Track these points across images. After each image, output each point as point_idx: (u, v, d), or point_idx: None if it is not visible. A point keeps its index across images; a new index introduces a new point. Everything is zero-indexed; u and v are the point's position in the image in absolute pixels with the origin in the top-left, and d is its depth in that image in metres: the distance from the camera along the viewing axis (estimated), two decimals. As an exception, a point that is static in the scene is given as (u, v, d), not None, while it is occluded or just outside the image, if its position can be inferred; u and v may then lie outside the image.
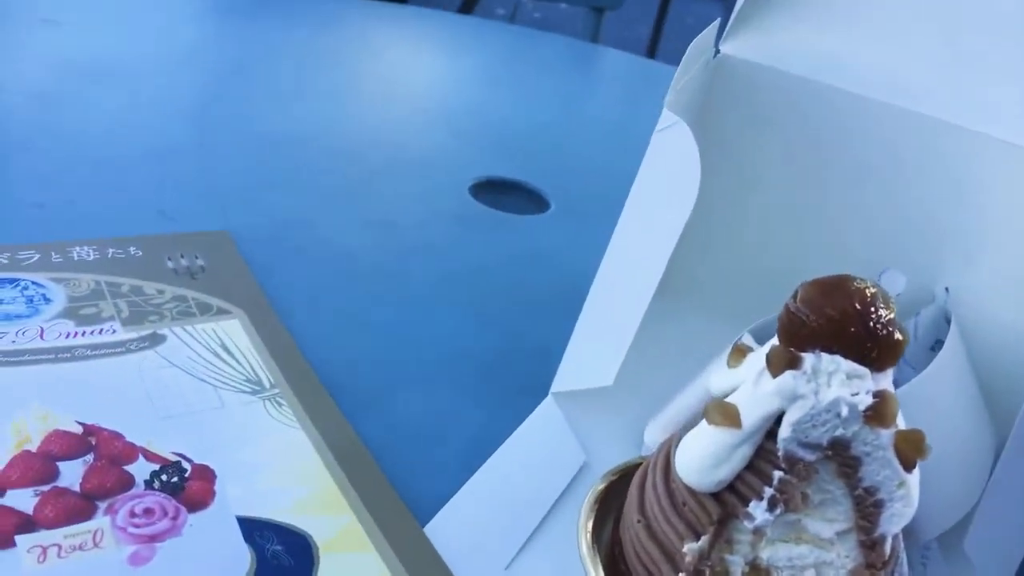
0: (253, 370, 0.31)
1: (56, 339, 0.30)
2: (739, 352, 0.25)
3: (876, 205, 0.35)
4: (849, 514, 0.23)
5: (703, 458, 0.23)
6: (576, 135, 0.62)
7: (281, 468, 0.27)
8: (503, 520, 0.28)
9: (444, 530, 0.27)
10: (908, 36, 0.34)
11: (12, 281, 0.33)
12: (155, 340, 0.31)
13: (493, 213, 0.48)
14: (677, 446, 0.24)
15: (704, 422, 0.23)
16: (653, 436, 0.32)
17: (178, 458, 0.26)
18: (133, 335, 0.31)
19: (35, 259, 0.34)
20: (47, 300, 0.32)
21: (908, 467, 0.22)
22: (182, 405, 0.29)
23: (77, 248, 0.35)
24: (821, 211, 0.36)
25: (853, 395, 0.22)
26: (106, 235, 0.37)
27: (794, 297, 0.23)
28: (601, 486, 0.28)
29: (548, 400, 0.33)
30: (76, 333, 0.31)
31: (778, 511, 0.23)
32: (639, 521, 0.25)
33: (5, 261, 0.34)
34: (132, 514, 0.24)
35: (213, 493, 0.26)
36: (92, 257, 0.35)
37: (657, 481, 0.26)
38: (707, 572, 0.23)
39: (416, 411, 0.33)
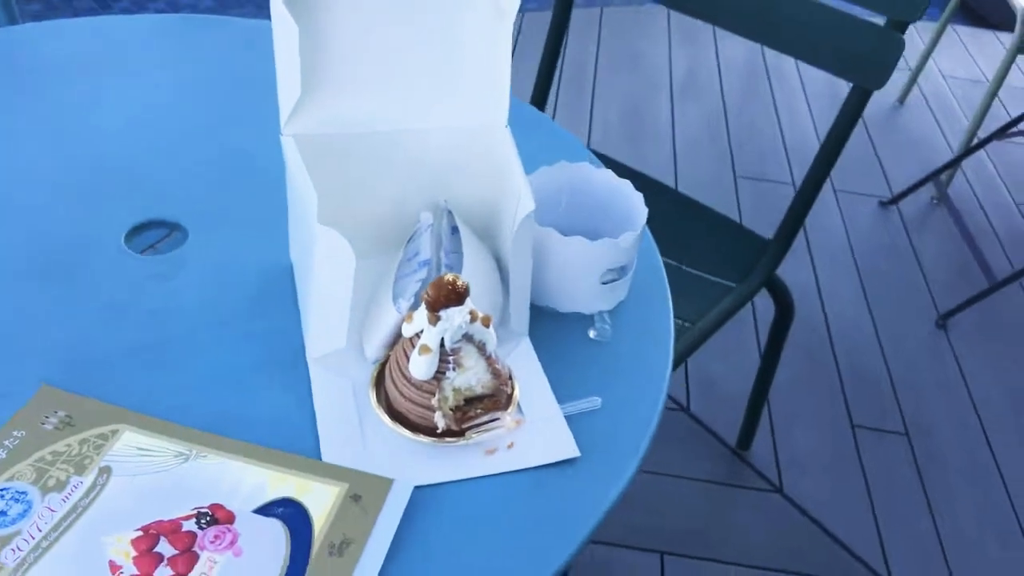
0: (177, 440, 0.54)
1: (60, 509, 0.50)
2: (409, 316, 0.55)
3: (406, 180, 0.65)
4: (478, 355, 0.56)
5: (422, 366, 0.54)
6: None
7: (243, 473, 0.53)
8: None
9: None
10: (385, 89, 0.62)
11: (-12, 498, 0.50)
12: (104, 470, 0.52)
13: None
14: (408, 360, 0.55)
15: (417, 351, 0.54)
16: (372, 350, 0.62)
17: (195, 509, 0.51)
18: (92, 475, 0.52)
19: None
20: (22, 493, 0.50)
21: (485, 324, 0.56)
22: (159, 481, 0.52)
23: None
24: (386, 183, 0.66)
25: (462, 316, 0.54)
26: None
27: (426, 292, 0.54)
28: (374, 372, 0.58)
29: (313, 365, 0.61)
30: (64, 499, 0.50)
31: (453, 369, 0.55)
32: (398, 390, 0.57)
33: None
34: (213, 541, 0.49)
35: (228, 510, 0.51)
36: (9, 448, 0.52)
37: (398, 375, 0.57)
38: (438, 399, 0.56)
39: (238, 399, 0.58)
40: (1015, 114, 2.08)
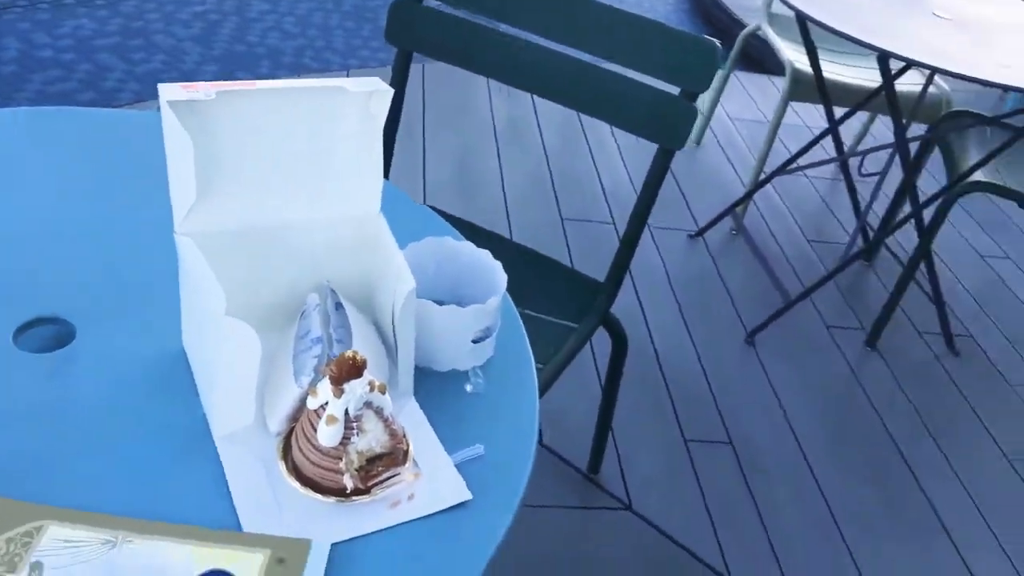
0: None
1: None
2: (313, 391, 0.62)
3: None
4: (376, 418, 0.64)
5: (329, 434, 0.61)
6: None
7: (171, 553, 0.57)
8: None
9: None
10: (270, 188, 0.69)
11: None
12: (35, 566, 0.55)
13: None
14: (315, 430, 0.62)
15: (324, 422, 0.61)
16: (275, 424, 0.67)
17: (130, 591, 0.55)
18: (24, 573, 0.54)
19: None
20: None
21: (382, 391, 0.64)
22: (91, 571, 0.55)
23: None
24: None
25: (363, 387, 0.62)
26: None
27: (329, 369, 0.61)
28: (279, 444, 0.64)
29: (220, 443, 0.66)
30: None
31: (357, 434, 0.62)
32: (306, 457, 0.63)
33: None
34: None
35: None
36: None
37: (305, 444, 0.63)
38: (345, 462, 0.63)
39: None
40: (794, 150, 2.38)
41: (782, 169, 2.30)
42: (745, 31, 2.57)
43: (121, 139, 0.99)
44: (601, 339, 1.56)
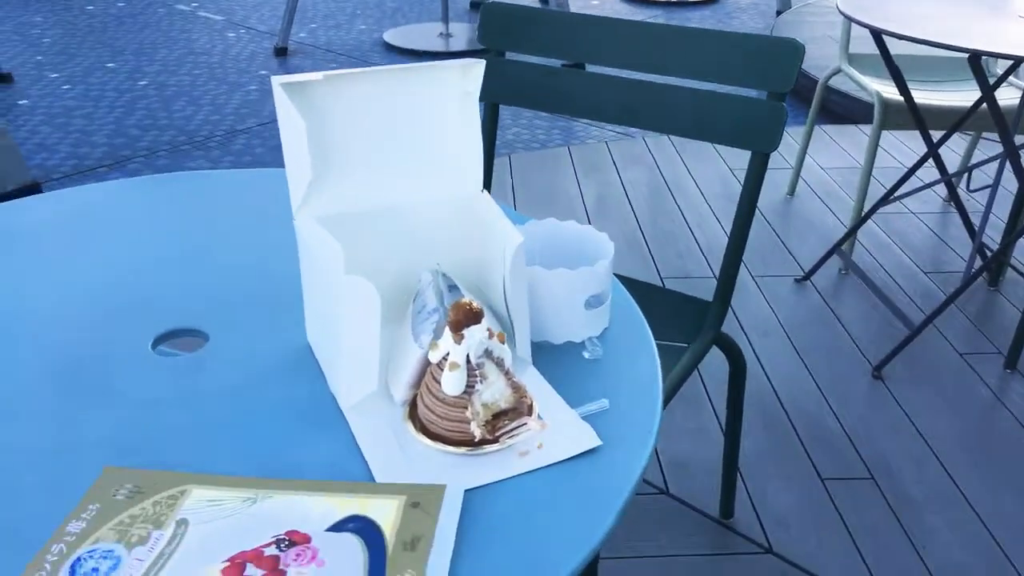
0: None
1: (147, 559, 0.54)
2: (434, 344, 0.63)
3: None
4: (498, 371, 0.64)
5: (453, 381, 0.61)
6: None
7: (310, 503, 0.57)
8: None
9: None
10: (378, 171, 0.72)
11: (78, 560, 0.53)
12: (181, 522, 0.56)
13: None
14: (439, 383, 0.62)
15: (447, 369, 0.61)
16: (399, 392, 0.68)
17: (273, 537, 0.55)
18: (171, 528, 0.56)
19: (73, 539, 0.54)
20: (109, 551, 0.54)
21: (501, 340, 0.64)
22: (233, 522, 0.56)
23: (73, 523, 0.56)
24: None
25: (482, 333, 0.62)
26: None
27: (449, 316, 0.61)
28: (405, 411, 0.64)
29: (348, 414, 0.66)
30: (149, 550, 0.54)
31: (480, 382, 0.62)
32: (432, 411, 0.63)
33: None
34: (296, 559, 0.53)
35: (304, 533, 0.55)
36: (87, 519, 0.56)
37: (431, 399, 0.63)
38: (472, 412, 0.62)
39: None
40: (887, 187, 2.32)
41: (885, 200, 2.24)
42: (825, 75, 2.56)
43: (241, 193, 1.06)
44: (716, 379, 1.49)
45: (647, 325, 0.78)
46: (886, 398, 1.92)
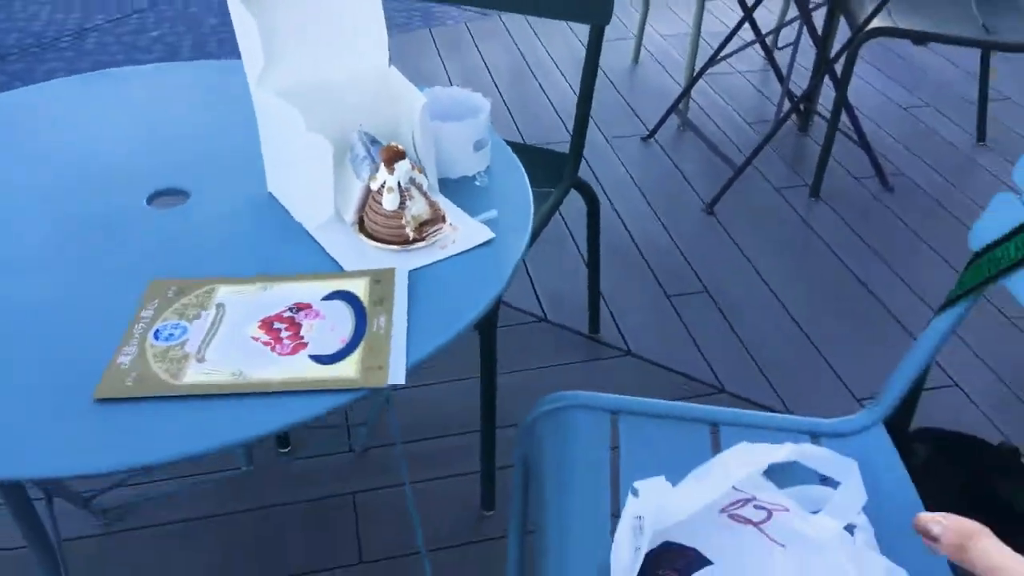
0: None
1: (205, 323, 0.80)
2: (373, 177, 0.90)
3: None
4: (420, 195, 0.92)
5: (391, 200, 0.89)
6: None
7: (305, 285, 0.85)
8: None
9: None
10: (308, 52, 0.96)
11: (158, 331, 0.79)
12: (219, 305, 0.83)
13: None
14: (380, 203, 0.90)
15: (386, 192, 0.89)
16: (349, 215, 0.95)
17: (286, 306, 0.83)
18: (213, 308, 0.82)
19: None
20: (176, 325, 0.80)
21: (419, 171, 0.92)
22: (257, 300, 0.83)
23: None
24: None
25: (407, 166, 0.90)
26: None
27: (381, 155, 0.89)
28: (355, 229, 0.93)
29: (314, 232, 0.93)
30: (204, 320, 0.81)
31: (409, 199, 0.90)
32: (376, 223, 0.91)
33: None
34: (306, 316, 0.81)
35: (307, 302, 0.83)
36: (154, 308, 0.82)
37: (375, 215, 0.91)
38: (406, 220, 0.91)
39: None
40: (715, 48, 2.67)
41: (711, 62, 2.59)
42: (656, -49, 2.85)
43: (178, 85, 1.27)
44: (579, 224, 1.81)
45: (519, 161, 1.08)
46: (717, 228, 2.32)
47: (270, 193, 1.01)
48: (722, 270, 2.17)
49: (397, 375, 0.75)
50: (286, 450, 1.72)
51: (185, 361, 0.76)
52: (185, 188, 1.02)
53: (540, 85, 2.98)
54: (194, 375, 0.75)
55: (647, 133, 2.71)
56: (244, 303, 0.83)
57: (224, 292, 0.85)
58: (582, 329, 1.99)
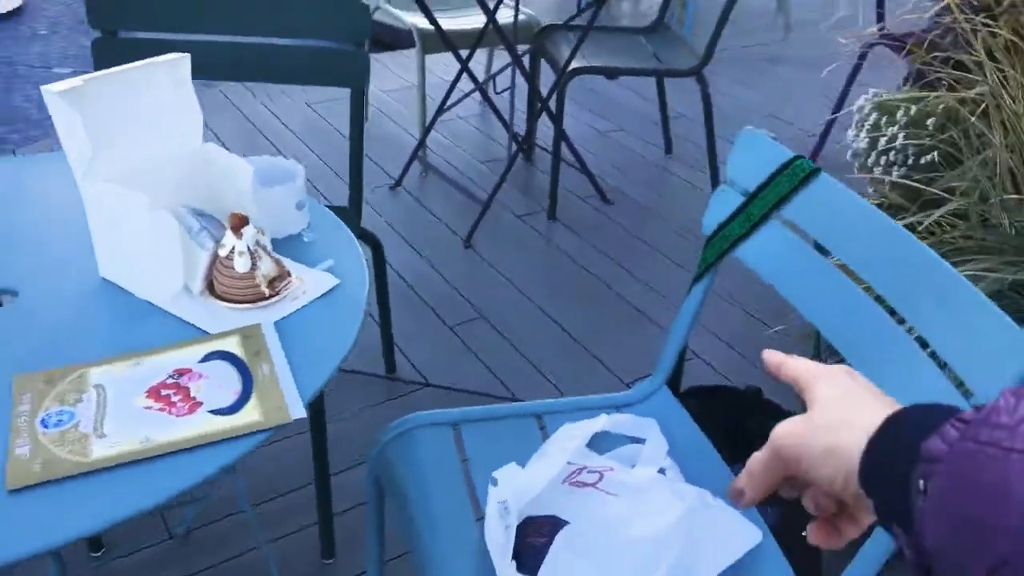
0: (120, 369, 0.89)
1: (92, 405, 0.82)
2: (221, 246, 0.97)
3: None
4: (266, 254, 1.00)
5: (242, 263, 0.97)
6: None
7: (177, 353, 0.90)
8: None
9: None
10: (129, 142, 1.01)
11: (44, 419, 0.80)
12: (98, 386, 0.85)
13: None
14: (232, 267, 0.97)
15: (236, 256, 0.96)
16: (196, 285, 1.00)
17: (167, 374, 0.87)
18: (92, 390, 0.85)
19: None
20: (61, 411, 0.82)
21: (263, 234, 1.00)
22: (136, 375, 0.87)
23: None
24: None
25: (253, 230, 0.98)
26: None
27: (230, 222, 0.96)
28: (205, 295, 0.99)
29: (166, 307, 0.97)
30: (88, 403, 0.83)
31: (259, 260, 0.98)
32: (229, 287, 0.98)
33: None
34: (189, 379, 0.87)
35: (186, 367, 0.88)
36: (31, 399, 0.82)
37: (226, 279, 0.98)
38: (259, 279, 0.98)
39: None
40: (439, 100, 2.90)
41: (440, 111, 2.82)
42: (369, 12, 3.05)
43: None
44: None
45: (334, 214, 1.19)
46: (476, 259, 2.54)
47: (103, 278, 1.03)
48: (490, 295, 2.38)
49: (297, 410, 0.84)
50: (99, 553, 1.65)
51: (86, 440, 0.79)
52: (12, 287, 1.01)
53: (277, 148, 3.04)
54: (101, 450, 0.78)
55: (394, 182, 2.88)
56: (122, 380, 0.87)
57: (97, 374, 0.87)
58: (379, 371, 2.09)
